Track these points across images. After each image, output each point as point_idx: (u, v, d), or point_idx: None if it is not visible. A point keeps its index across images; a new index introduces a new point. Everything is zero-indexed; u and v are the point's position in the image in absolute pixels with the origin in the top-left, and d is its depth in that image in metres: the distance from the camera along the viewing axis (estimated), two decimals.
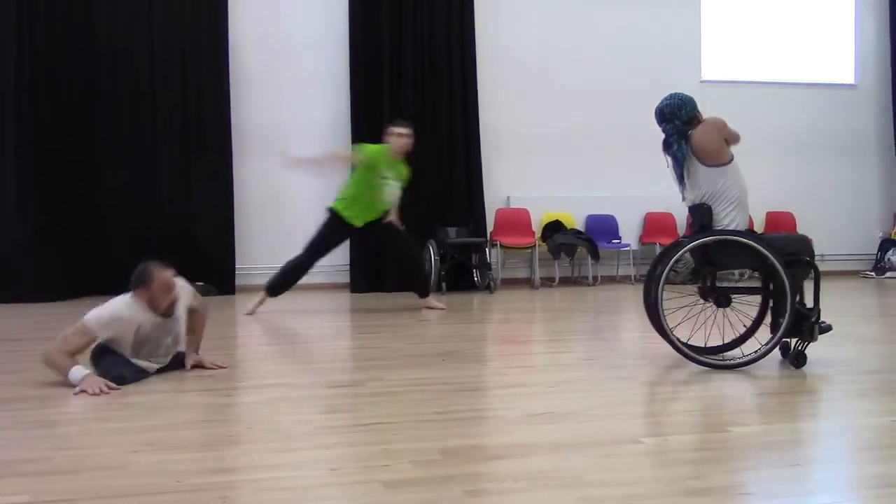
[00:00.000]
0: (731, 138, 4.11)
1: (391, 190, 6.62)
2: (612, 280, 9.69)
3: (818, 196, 10.54)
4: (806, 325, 3.91)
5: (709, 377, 3.80)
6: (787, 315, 3.86)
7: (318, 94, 9.13)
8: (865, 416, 3.08)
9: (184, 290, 3.96)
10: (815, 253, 4.24)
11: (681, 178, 4.13)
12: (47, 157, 8.16)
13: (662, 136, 4.16)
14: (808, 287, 4.02)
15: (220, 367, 4.03)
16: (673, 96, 4.15)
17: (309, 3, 9.14)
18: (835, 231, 10.56)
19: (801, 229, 10.28)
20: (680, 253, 4.03)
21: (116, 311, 3.73)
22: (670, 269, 4.01)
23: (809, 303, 3.99)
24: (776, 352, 4.08)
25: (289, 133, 9.09)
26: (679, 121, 4.08)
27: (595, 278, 9.45)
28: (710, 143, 4.02)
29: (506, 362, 4.38)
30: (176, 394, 3.52)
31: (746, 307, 4.22)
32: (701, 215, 4.03)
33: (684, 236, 4.31)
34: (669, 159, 4.16)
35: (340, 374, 4.11)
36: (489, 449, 2.66)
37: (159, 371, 3.90)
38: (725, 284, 4.27)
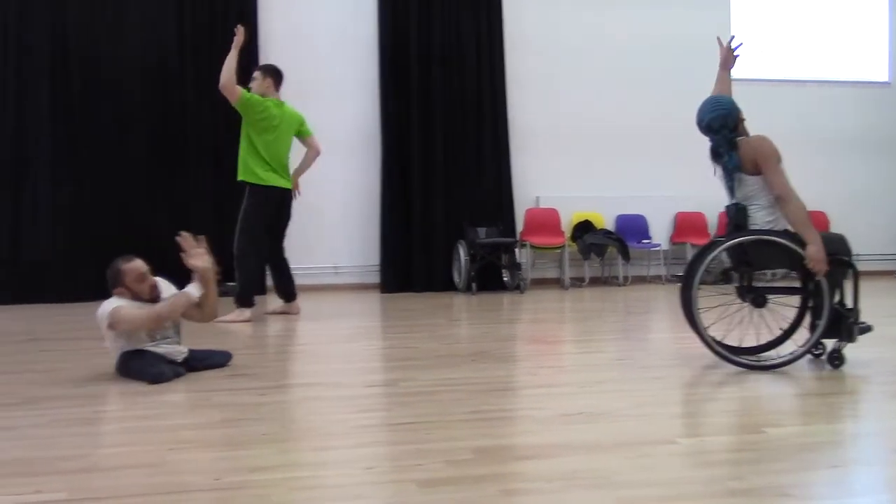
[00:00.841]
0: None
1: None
2: (642, 280, 9.64)
3: (851, 195, 10.42)
4: (844, 325, 3.86)
5: (744, 378, 3.76)
6: (824, 316, 3.82)
7: (347, 96, 9.17)
8: None
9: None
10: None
11: (731, 190, 4.08)
12: (81, 162, 8.28)
13: (706, 142, 4.09)
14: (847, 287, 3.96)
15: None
16: (716, 106, 4.02)
17: (337, 6, 9.18)
18: (868, 231, 10.42)
19: (834, 229, 10.16)
20: (717, 252, 3.98)
21: (117, 303, 3.90)
22: (705, 269, 3.97)
23: (850, 303, 3.93)
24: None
25: (318, 135, 9.12)
26: (727, 130, 4.00)
27: (625, 278, 9.40)
28: (765, 166, 3.92)
29: (537, 362, 4.36)
30: (211, 392, 3.55)
31: (783, 308, 4.17)
32: (736, 215, 3.99)
33: (719, 236, 4.26)
34: (719, 168, 4.10)
35: (373, 373, 4.11)
36: (522, 449, 2.65)
37: (192, 369, 3.93)
38: (761, 284, 4.22)
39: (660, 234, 9.74)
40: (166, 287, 4.09)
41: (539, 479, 2.30)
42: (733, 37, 4.49)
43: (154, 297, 3.95)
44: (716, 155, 4.05)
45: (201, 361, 4.04)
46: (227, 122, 8.71)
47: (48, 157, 8.17)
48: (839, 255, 3.92)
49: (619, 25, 9.81)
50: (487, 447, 2.63)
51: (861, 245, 10.29)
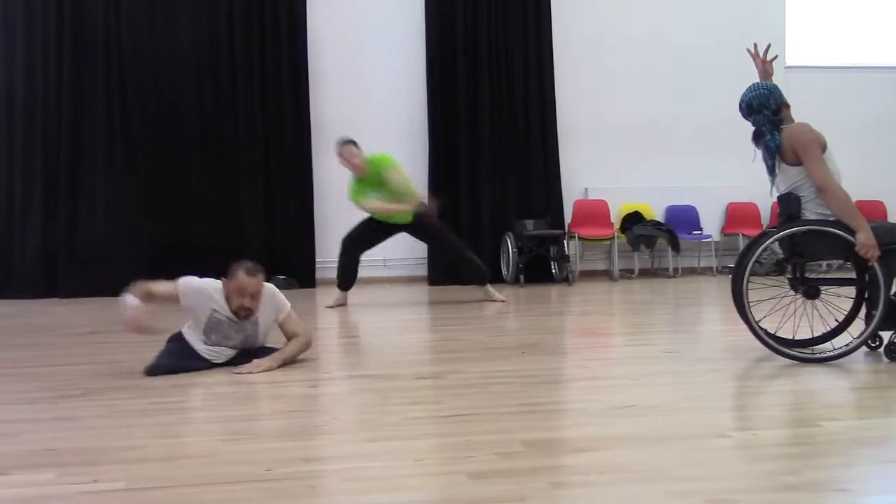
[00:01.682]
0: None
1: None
2: (692, 272, 9.52)
3: None
4: None
5: (798, 371, 3.70)
6: (880, 306, 3.74)
7: (395, 91, 9.20)
8: None
9: (272, 304, 4.02)
10: None
11: (771, 170, 4.00)
12: (135, 159, 8.46)
13: (751, 127, 4.04)
14: None
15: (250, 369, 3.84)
16: (757, 87, 4.00)
17: (386, 1, 9.21)
18: None
19: (893, 219, 9.92)
20: (768, 243, 3.92)
21: (204, 286, 3.93)
22: (755, 261, 3.91)
23: None
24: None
25: (366, 129, 9.18)
26: (768, 110, 3.95)
27: (675, 270, 9.30)
28: (805, 155, 3.85)
29: (586, 355, 4.34)
30: (262, 385, 3.60)
31: (836, 299, 4.09)
32: (788, 205, 3.91)
33: (770, 227, 4.19)
34: (760, 150, 4.03)
35: (422, 366, 4.13)
36: (573, 441, 2.65)
37: (228, 363, 3.94)
38: (815, 275, 4.14)
39: (711, 224, 9.61)
40: (272, 307, 4.04)
41: (590, 472, 2.29)
42: (769, 45, 4.38)
43: (239, 315, 3.88)
44: (758, 135, 4.00)
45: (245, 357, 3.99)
46: (275, 112, 8.85)
47: (104, 153, 8.35)
48: (895, 244, 3.83)
49: (670, 16, 9.68)
50: (538, 440, 2.62)
51: None
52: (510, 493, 2.12)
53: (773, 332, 3.95)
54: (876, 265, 3.71)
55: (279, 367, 3.86)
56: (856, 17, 10.16)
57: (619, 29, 9.59)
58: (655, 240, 9.16)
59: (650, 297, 7.30)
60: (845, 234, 3.75)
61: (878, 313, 3.75)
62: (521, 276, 8.50)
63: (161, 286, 3.93)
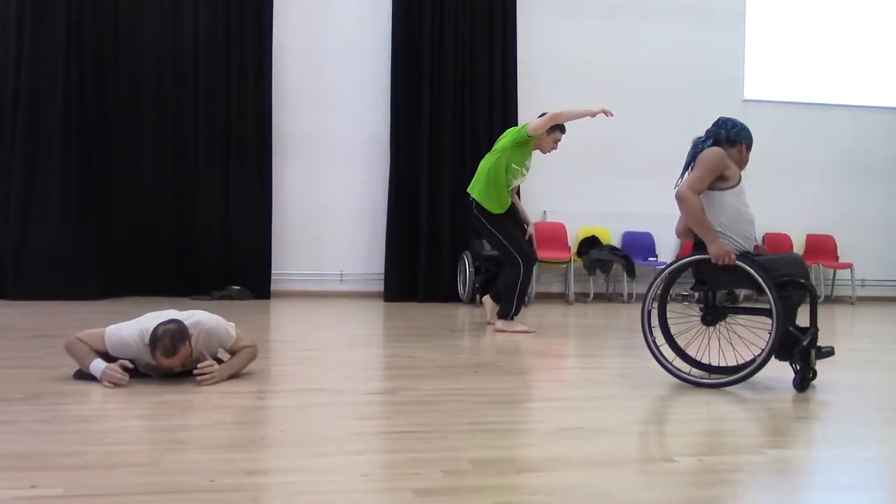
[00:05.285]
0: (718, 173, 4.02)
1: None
2: (643, 300, 9.59)
3: (861, 220, 10.38)
4: (797, 348, 3.84)
5: (747, 399, 3.75)
6: (772, 335, 3.79)
7: (358, 102, 9.20)
8: None
9: (215, 341, 3.86)
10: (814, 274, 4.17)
11: (685, 168, 4.11)
12: (90, 162, 8.32)
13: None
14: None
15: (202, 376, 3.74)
16: (740, 123, 4.15)
17: (352, 12, 9.22)
18: (876, 256, 10.40)
19: (843, 254, 10.14)
20: (663, 273, 4.10)
21: (128, 339, 3.71)
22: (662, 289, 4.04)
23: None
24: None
25: (328, 141, 9.16)
26: (725, 131, 4.06)
27: (630, 295, 9.38)
28: (696, 168, 3.98)
29: (539, 376, 4.36)
30: (210, 395, 3.54)
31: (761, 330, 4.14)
32: (695, 235, 4.03)
33: (682, 256, 4.31)
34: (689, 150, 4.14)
35: (373, 381, 4.11)
36: (521, 461, 2.64)
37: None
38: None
39: (666, 251, 9.73)
40: (219, 338, 3.87)
41: (537, 493, 2.29)
42: None
43: (169, 373, 3.74)
44: (696, 141, 4.13)
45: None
46: (236, 121, 8.78)
47: (58, 158, 8.19)
48: (794, 276, 3.91)
49: (632, 44, 9.83)
50: (486, 459, 2.62)
51: (869, 271, 10.33)
52: None
53: (694, 357, 4.13)
54: (770, 294, 3.78)
55: (227, 379, 3.80)
56: (814, 54, 10.39)
57: (582, 56, 9.70)
58: (611, 265, 9.24)
59: (604, 321, 7.35)
60: (742, 265, 3.83)
61: (769, 342, 3.80)
62: (477, 296, 8.51)
63: (91, 340, 3.73)
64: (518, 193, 6.98)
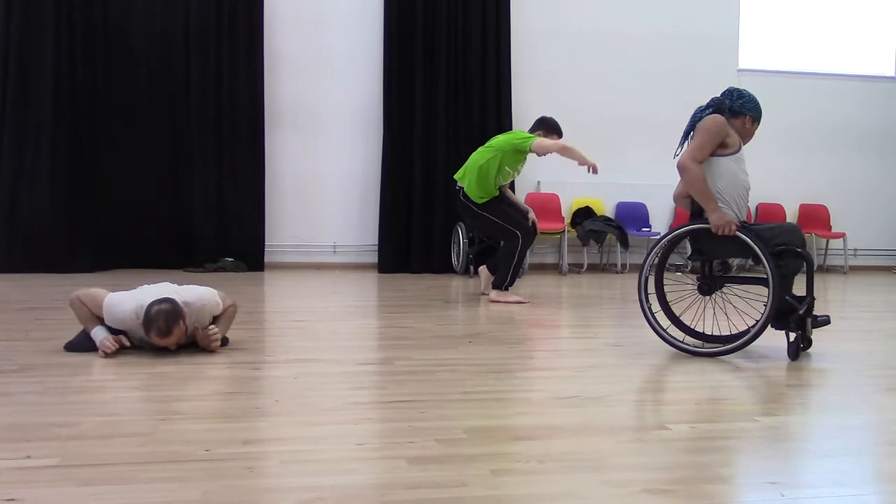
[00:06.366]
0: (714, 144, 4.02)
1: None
2: (640, 268, 9.62)
3: (853, 189, 10.40)
4: (793, 316, 3.86)
5: (740, 367, 3.77)
6: (769, 304, 3.82)
7: (351, 72, 9.14)
8: (893, 411, 3.04)
9: (207, 313, 3.88)
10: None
11: (685, 137, 4.12)
12: (83, 134, 8.26)
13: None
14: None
15: (210, 342, 3.83)
16: (751, 94, 4.14)
17: None
18: (868, 225, 10.43)
19: (835, 223, 10.16)
20: (659, 243, 4.13)
21: (122, 315, 3.72)
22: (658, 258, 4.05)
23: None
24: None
25: (321, 112, 9.11)
26: (729, 101, 4.06)
27: (623, 266, 9.41)
28: (696, 137, 3.98)
29: (533, 346, 4.37)
30: (204, 366, 3.55)
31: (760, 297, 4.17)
32: (693, 203, 4.04)
33: (678, 225, 4.32)
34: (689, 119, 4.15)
35: (368, 352, 4.12)
36: (515, 430, 2.66)
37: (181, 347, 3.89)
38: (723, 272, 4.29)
39: (659, 222, 9.74)
40: (206, 310, 3.88)
41: (530, 460, 2.30)
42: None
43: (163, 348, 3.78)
44: (699, 108, 4.13)
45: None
46: (228, 92, 8.73)
47: (50, 128, 8.14)
48: (791, 245, 3.92)
49: (627, 14, 9.77)
50: (480, 427, 2.63)
51: (860, 240, 10.37)
52: (450, 479, 2.12)
53: (689, 325, 4.18)
54: (767, 264, 3.80)
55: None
56: (807, 23, 10.35)
57: (577, 25, 9.64)
58: (605, 235, 9.25)
59: (598, 291, 7.37)
60: (740, 235, 3.85)
61: (766, 311, 3.83)
62: (471, 267, 8.51)
63: (91, 301, 3.73)
64: (512, 187, 7.01)
